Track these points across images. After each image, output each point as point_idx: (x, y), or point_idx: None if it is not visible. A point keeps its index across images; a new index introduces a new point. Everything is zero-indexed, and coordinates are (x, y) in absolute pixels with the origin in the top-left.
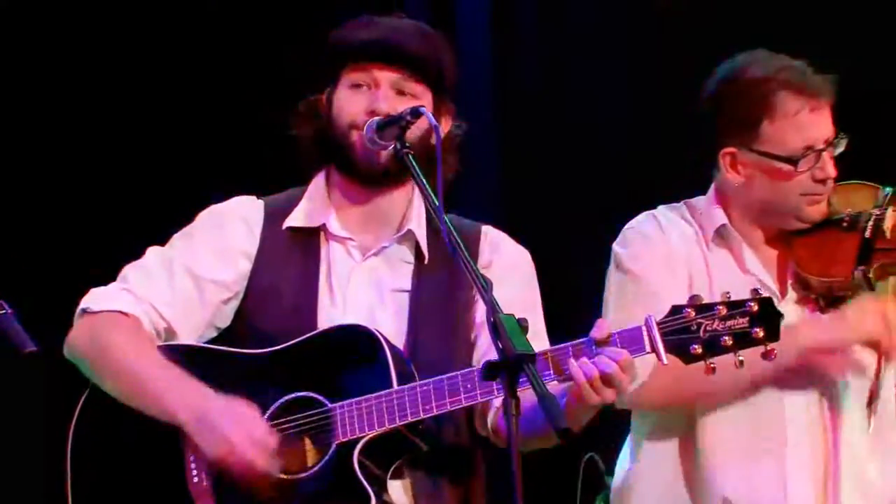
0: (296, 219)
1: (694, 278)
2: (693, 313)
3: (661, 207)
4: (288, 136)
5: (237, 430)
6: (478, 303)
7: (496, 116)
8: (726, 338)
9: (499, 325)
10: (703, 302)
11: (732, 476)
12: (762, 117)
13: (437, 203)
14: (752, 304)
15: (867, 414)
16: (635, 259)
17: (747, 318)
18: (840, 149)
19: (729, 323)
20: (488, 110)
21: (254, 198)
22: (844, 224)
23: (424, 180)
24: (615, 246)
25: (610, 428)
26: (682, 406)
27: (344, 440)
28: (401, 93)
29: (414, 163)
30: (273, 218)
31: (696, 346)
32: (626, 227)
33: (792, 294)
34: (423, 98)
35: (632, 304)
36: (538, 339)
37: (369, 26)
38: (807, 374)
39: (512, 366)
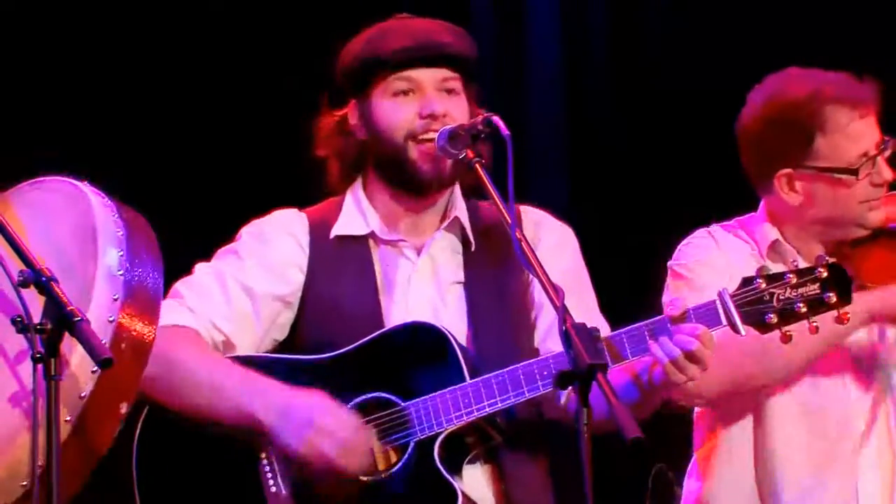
0: (343, 227)
1: None
2: (764, 283)
3: (714, 226)
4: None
5: (327, 416)
6: (532, 284)
7: (566, 105)
8: (800, 304)
9: (570, 335)
10: (772, 272)
11: (805, 485)
12: (814, 134)
13: (508, 215)
14: (822, 269)
15: None
16: (689, 267)
17: (818, 284)
18: (889, 151)
19: (801, 290)
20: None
21: (295, 210)
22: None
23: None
24: (670, 263)
25: (680, 439)
26: (737, 392)
27: (423, 437)
28: (445, 91)
29: (485, 171)
30: (318, 228)
31: (772, 315)
32: (681, 244)
33: None
34: (461, 91)
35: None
36: (592, 315)
37: (398, 32)
38: (868, 368)
39: (584, 375)
